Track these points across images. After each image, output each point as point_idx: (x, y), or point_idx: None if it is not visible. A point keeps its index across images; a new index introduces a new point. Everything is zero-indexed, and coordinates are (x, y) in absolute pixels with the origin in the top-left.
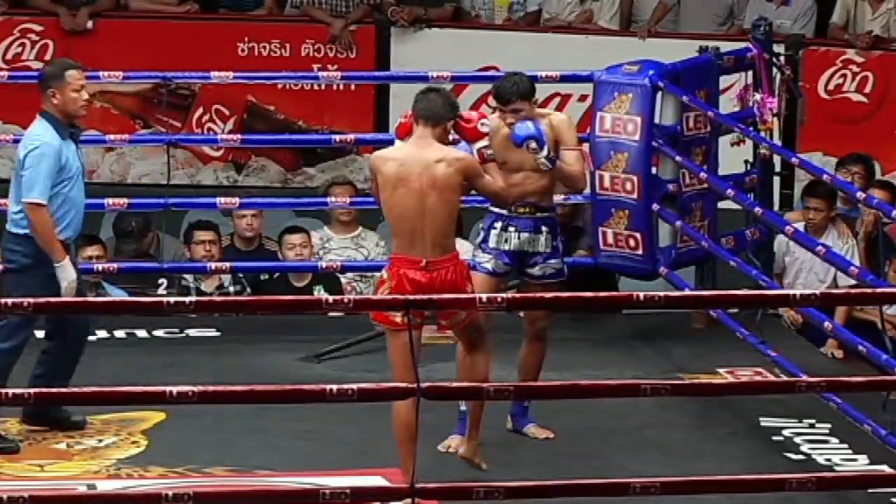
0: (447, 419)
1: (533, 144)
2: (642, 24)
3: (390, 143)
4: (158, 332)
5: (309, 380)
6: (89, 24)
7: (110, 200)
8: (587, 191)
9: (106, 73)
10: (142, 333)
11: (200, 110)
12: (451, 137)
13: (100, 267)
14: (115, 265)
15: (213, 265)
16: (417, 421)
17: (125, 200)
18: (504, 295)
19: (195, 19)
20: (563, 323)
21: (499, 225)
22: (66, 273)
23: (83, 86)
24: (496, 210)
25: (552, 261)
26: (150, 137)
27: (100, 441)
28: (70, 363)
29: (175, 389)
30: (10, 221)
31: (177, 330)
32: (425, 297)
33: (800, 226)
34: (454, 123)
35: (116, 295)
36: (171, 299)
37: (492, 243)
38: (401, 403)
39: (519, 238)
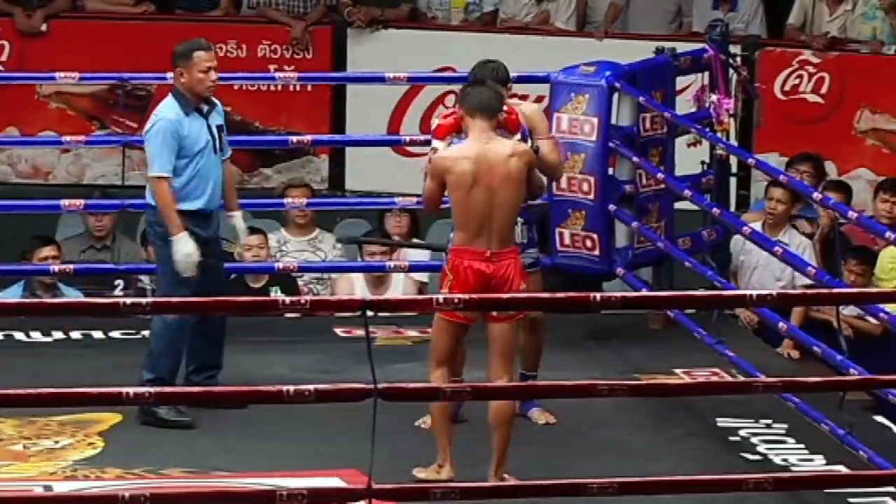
0: (407, 420)
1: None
2: (597, 25)
3: (347, 143)
4: (115, 334)
5: (266, 381)
6: (44, 25)
7: (66, 202)
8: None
9: (62, 74)
10: (98, 335)
11: None
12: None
13: (56, 268)
14: (71, 266)
15: None
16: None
17: (81, 202)
18: (461, 296)
19: (151, 20)
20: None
21: None
22: (180, 246)
23: (211, 67)
24: None
25: (529, 251)
26: (106, 138)
27: (56, 442)
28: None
29: (132, 391)
30: (148, 197)
31: (133, 331)
32: (382, 298)
33: (756, 226)
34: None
35: (73, 296)
36: (128, 300)
37: None
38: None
39: None
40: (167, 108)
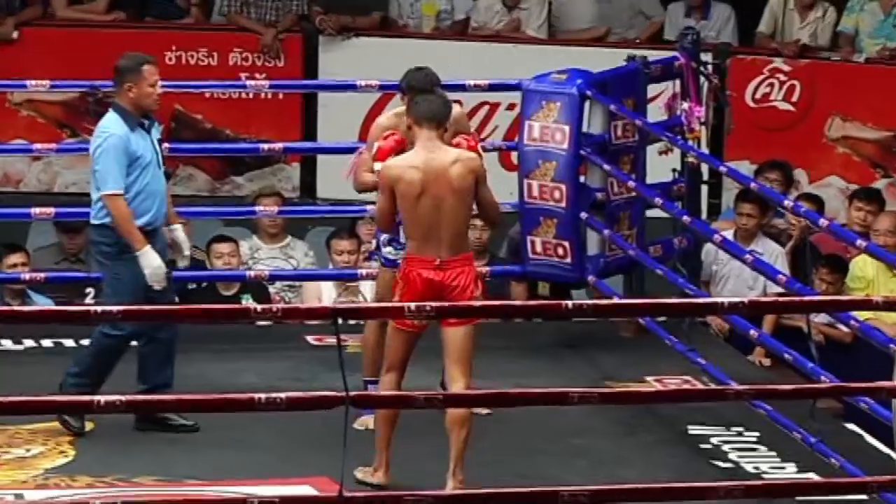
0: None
1: None
2: (566, 32)
3: (318, 151)
4: (86, 342)
5: (237, 389)
6: (15, 33)
7: (37, 210)
8: (515, 199)
9: (33, 82)
10: (69, 343)
11: None
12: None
13: (26, 276)
14: (41, 274)
15: None
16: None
17: (52, 210)
18: (433, 304)
19: (122, 27)
20: (489, 331)
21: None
22: (148, 260)
23: (157, 80)
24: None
25: None
26: (77, 146)
27: (27, 451)
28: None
29: (102, 399)
30: (92, 212)
31: None
32: (353, 306)
33: (728, 234)
34: (455, 143)
35: (43, 304)
36: (99, 308)
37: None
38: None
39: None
40: (113, 124)
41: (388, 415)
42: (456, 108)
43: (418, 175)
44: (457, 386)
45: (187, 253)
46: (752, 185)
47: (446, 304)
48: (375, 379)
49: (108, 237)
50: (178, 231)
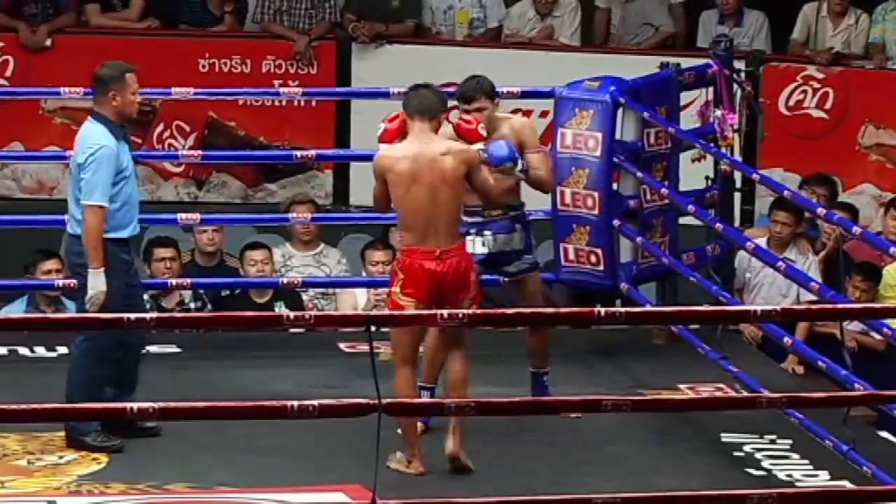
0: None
1: (509, 165)
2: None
3: (351, 158)
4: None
5: (270, 396)
6: (49, 41)
7: None
8: (548, 206)
9: (66, 90)
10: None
11: (161, 126)
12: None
13: (59, 282)
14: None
15: (173, 281)
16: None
17: None
18: (465, 311)
19: (156, 35)
20: (521, 338)
21: (473, 232)
22: (99, 281)
23: (138, 89)
24: (466, 219)
25: (526, 256)
26: None
27: (61, 458)
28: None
29: (136, 406)
30: (76, 225)
31: None
32: (386, 313)
33: (761, 241)
34: (455, 124)
35: (76, 311)
36: (132, 315)
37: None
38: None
39: (495, 240)
40: (101, 135)
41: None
42: (521, 120)
43: (409, 165)
44: (455, 359)
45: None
46: (786, 192)
47: (479, 311)
48: (432, 385)
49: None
50: None
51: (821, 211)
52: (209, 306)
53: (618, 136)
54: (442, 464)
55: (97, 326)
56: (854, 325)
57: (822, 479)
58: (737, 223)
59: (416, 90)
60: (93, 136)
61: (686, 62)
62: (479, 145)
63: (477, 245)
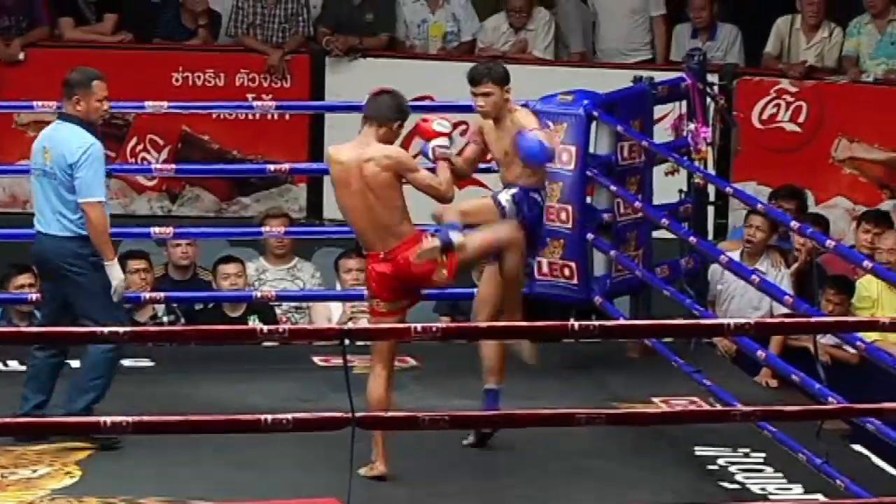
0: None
1: (549, 163)
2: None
3: (325, 172)
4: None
5: (244, 410)
6: (22, 54)
7: None
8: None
9: (40, 103)
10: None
11: (135, 140)
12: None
13: (33, 296)
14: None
15: (146, 295)
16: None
17: None
18: (439, 325)
19: (129, 49)
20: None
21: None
22: (118, 271)
23: (106, 96)
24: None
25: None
26: None
27: (34, 472)
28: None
29: (109, 420)
30: (70, 224)
31: None
32: (360, 327)
33: (734, 255)
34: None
35: None
36: (105, 329)
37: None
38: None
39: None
40: (85, 134)
41: (382, 406)
42: (520, 111)
43: (339, 170)
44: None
45: None
46: (759, 206)
47: (453, 325)
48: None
49: (90, 247)
50: None
51: (794, 224)
52: (182, 320)
53: (591, 150)
54: (417, 476)
55: (66, 341)
56: (828, 339)
57: (796, 492)
58: (710, 236)
59: (377, 95)
60: (79, 136)
61: (660, 76)
62: (437, 142)
63: (502, 195)
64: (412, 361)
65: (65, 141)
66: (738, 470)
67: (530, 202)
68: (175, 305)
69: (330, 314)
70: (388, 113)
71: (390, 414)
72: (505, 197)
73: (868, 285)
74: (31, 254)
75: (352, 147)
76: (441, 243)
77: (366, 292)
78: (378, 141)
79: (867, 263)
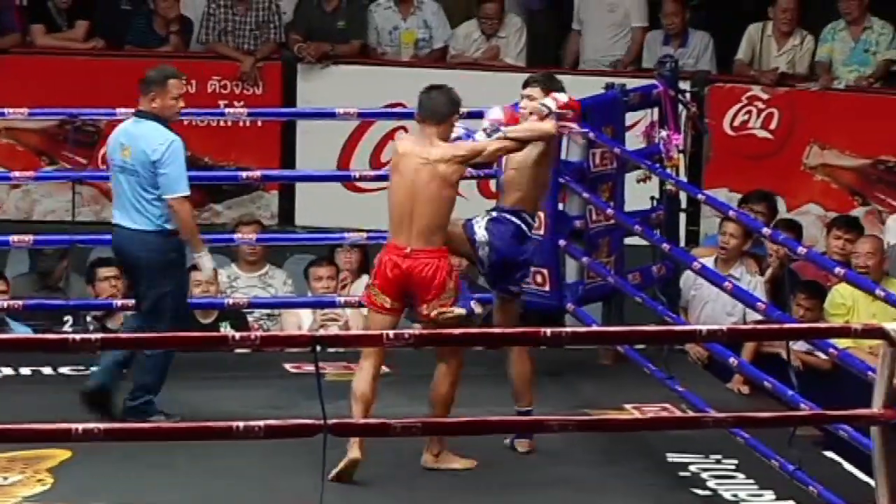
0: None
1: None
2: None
3: (297, 179)
4: (64, 370)
5: (216, 417)
6: None
7: (15, 237)
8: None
9: (11, 110)
10: (47, 370)
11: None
12: (453, 135)
13: (5, 304)
14: (20, 302)
15: (119, 302)
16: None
17: (31, 237)
18: (411, 331)
19: (101, 56)
20: (468, 358)
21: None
22: (209, 261)
23: (182, 94)
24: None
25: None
26: (55, 174)
27: (5, 479)
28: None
29: (81, 427)
30: (150, 218)
31: (83, 367)
32: (332, 334)
33: (707, 261)
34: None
35: (21, 332)
36: (78, 336)
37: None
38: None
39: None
40: (165, 130)
41: (366, 399)
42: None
43: (396, 158)
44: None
45: None
46: (731, 212)
47: (426, 332)
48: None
49: (175, 243)
50: None
51: (766, 231)
52: None
53: (563, 157)
54: (390, 484)
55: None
56: (800, 345)
57: (768, 498)
58: (682, 243)
59: (428, 93)
60: (159, 132)
61: (631, 83)
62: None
63: (478, 225)
64: (385, 369)
65: (145, 137)
66: (711, 476)
67: (503, 231)
68: None
69: (300, 322)
70: (445, 110)
71: (362, 421)
72: (480, 230)
73: (843, 291)
74: (111, 248)
75: (415, 142)
76: (466, 313)
77: (370, 280)
78: (439, 138)
79: (839, 270)
